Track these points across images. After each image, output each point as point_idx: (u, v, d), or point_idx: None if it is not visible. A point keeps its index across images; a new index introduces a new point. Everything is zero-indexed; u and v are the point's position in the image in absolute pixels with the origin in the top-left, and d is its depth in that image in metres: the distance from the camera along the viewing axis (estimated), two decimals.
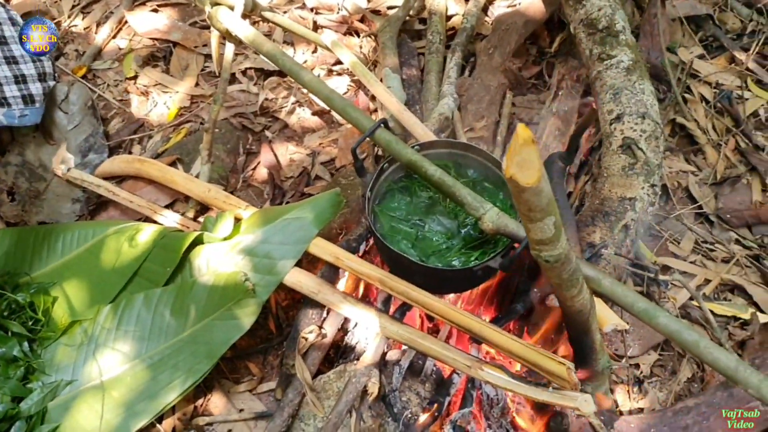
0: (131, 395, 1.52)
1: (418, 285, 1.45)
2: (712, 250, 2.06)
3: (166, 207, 1.94)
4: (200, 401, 1.67)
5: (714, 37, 2.60)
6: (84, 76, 2.43)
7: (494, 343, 1.34)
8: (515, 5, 2.65)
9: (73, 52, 2.52)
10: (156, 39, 2.57)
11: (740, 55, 2.50)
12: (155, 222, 1.82)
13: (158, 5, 2.68)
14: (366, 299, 1.65)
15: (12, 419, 1.46)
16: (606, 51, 1.89)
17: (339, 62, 2.46)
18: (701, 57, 2.52)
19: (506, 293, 1.65)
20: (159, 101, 2.38)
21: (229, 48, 1.85)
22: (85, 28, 2.61)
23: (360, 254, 1.68)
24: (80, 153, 2.07)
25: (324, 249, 1.58)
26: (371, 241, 1.72)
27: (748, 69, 2.45)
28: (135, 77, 2.45)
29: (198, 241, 1.65)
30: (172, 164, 2.09)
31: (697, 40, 2.56)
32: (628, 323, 1.79)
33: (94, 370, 1.56)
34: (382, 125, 1.48)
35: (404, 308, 1.57)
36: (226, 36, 1.81)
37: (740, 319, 1.89)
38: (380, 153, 2.08)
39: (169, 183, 1.93)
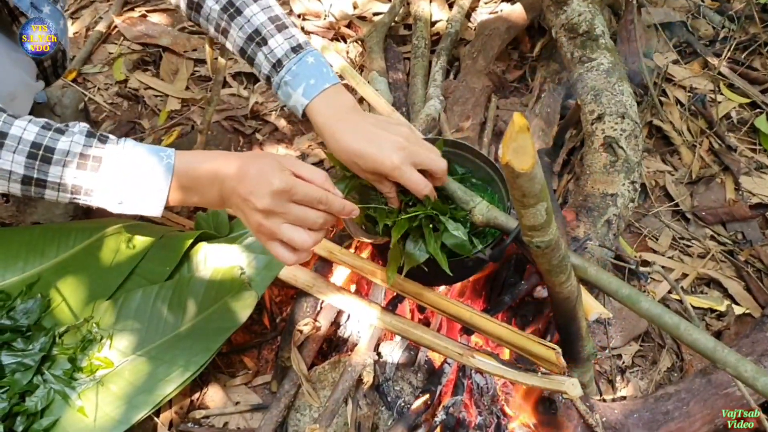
0: (129, 389, 1.54)
1: (410, 277, 1.50)
2: (688, 246, 2.14)
3: None
4: (196, 395, 1.70)
5: (687, 42, 2.70)
6: (74, 80, 2.45)
7: (485, 330, 1.39)
8: (498, 12, 2.73)
9: None
10: (145, 44, 2.60)
11: (713, 61, 2.60)
12: (151, 221, 1.85)
13: (147, 11, 2.71)
14: (358, 292, 1.69)
15: (16, 416, 1.47)
16: (586, 54, 1.97)
17: None
18: (676, 62, 2.61)
19: (494, 286, 1.71)
20: (150, 104, 2.41)
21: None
22: (74, 33, 2.63)
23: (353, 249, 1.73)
24: None
25: (318, 244, 1.62)
26: None
27: (720, 74, 2.55)
28: (125, 81, 2.48)
29: (198, 240, 1.69)
30: None
31: (671, 46, 2.66)
32: (610, 314, 1.86)
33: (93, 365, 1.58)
34: None
35: (396, 300, 1.62)
36: None
37: (716, 311, 1.97)
38: None
39: None
